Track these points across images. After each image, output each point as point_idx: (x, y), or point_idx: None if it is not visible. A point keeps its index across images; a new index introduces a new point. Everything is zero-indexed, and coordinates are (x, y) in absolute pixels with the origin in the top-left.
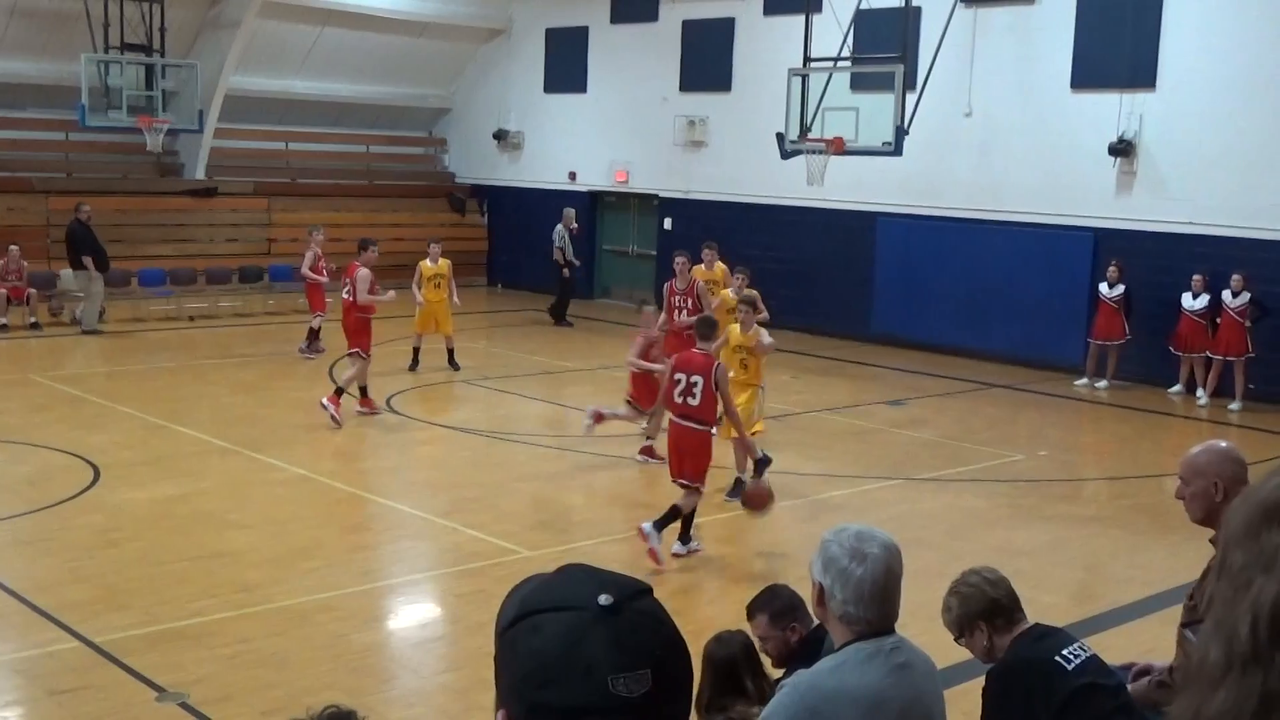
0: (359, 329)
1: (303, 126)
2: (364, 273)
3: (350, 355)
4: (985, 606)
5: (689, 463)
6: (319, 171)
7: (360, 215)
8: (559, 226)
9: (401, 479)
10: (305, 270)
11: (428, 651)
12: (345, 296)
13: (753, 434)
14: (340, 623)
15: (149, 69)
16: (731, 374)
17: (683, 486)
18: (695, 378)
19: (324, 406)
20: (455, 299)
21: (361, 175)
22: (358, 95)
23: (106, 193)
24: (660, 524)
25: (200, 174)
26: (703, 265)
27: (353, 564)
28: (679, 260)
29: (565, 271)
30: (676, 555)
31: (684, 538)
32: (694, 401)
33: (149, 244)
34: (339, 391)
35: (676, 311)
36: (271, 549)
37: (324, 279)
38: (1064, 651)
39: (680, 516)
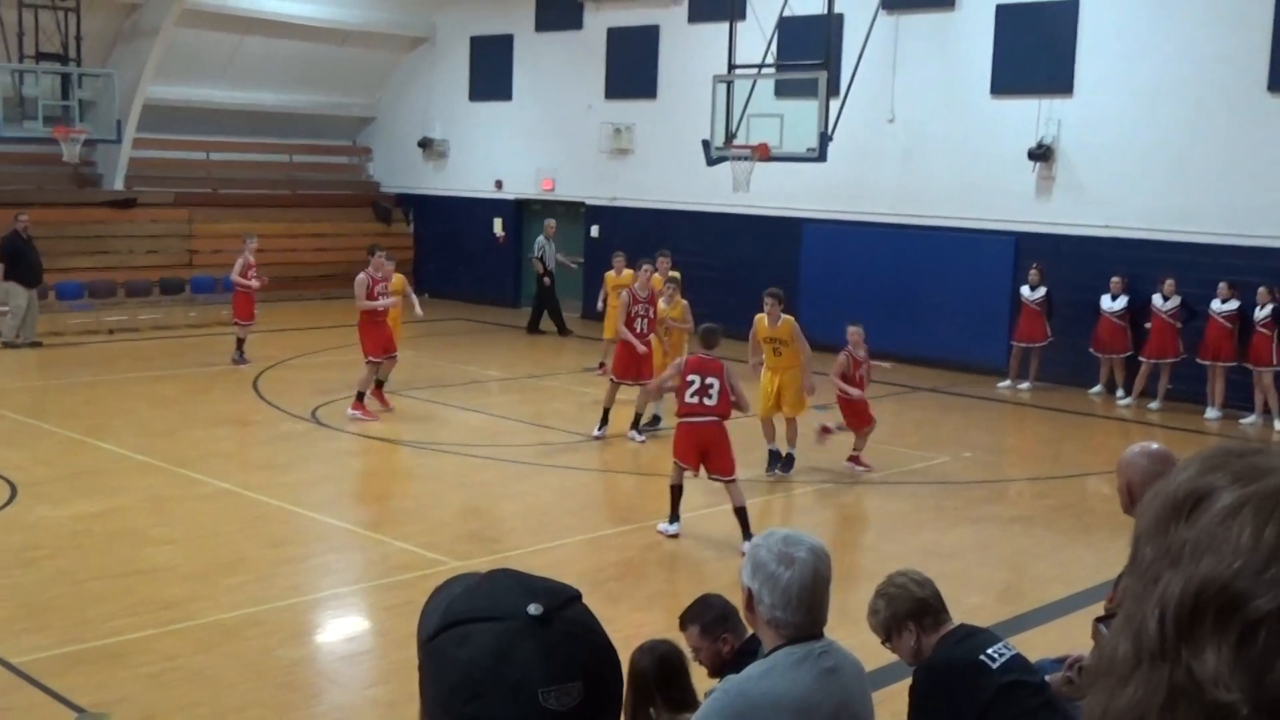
0: (361, 334)
1: (224, 136)
2: (360, 278)
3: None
4: (913, 607)
5: (721, 456)
6: (241, 181)
7: (284, 225)
8: (540, 237)
9: (329, 491)
10: (234, 276)
11: (356, 665)
12: None
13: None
14: (266, 638)
15: (65, 78)
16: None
17: (723, 481)
18: (710, 379)
19: (352, 415)
20: (418, 309)
21: (284, 185)
22: (280, 104)
23: (23, 204)
24: (747, 534)
25: (119, 185)
26: (612, 271)
27: (279, 578)
28: (646, 268)
29: (546, 280)
30: (668, 534)
31: (678, 514)
32: (710, 401)
33: (66, 256)
34: (359, 396)
35: (637, 320)
36: (195, 565)
37: (254, 285)
38: (988, 651)
39: (744, 513)
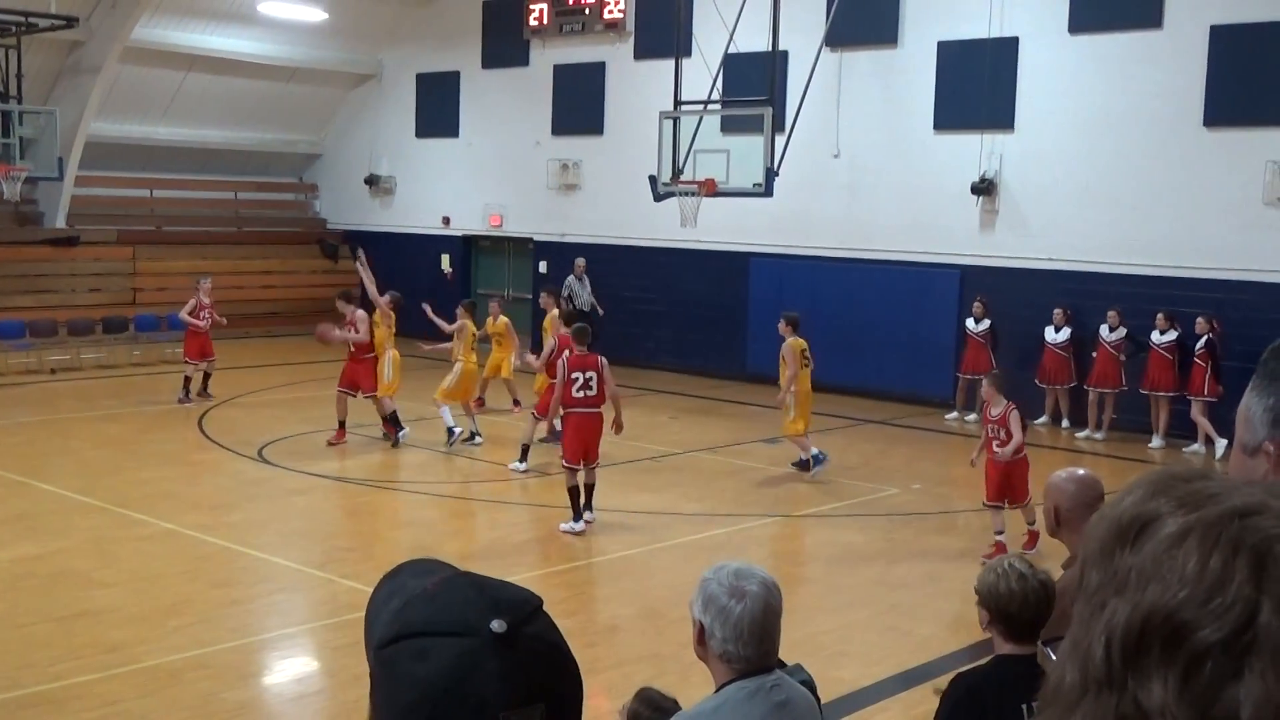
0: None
1: (168, 173)
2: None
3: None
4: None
5: (597, 445)
6: (185, 219)
7: (230, 263)
8: (570, 276)
9: (274, 531)
10: (183, 315)
11: (304, 706)
12: None
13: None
14: (212, 680)
15: (5, 115)
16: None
17: (589, 468)
18: (590, 374)
19: (386, 439)
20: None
21: (230, 222)
22: (225, 141)
23: None
24: (588, 507)
25: (61, 223)
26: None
27: (224, 620)
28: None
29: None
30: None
31: (580, 513)
32: (591, 393)
33: (7, 295)
34: (386, 422)
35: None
36: (138, 607)
37: (201, 325)
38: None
39: (591, 490)
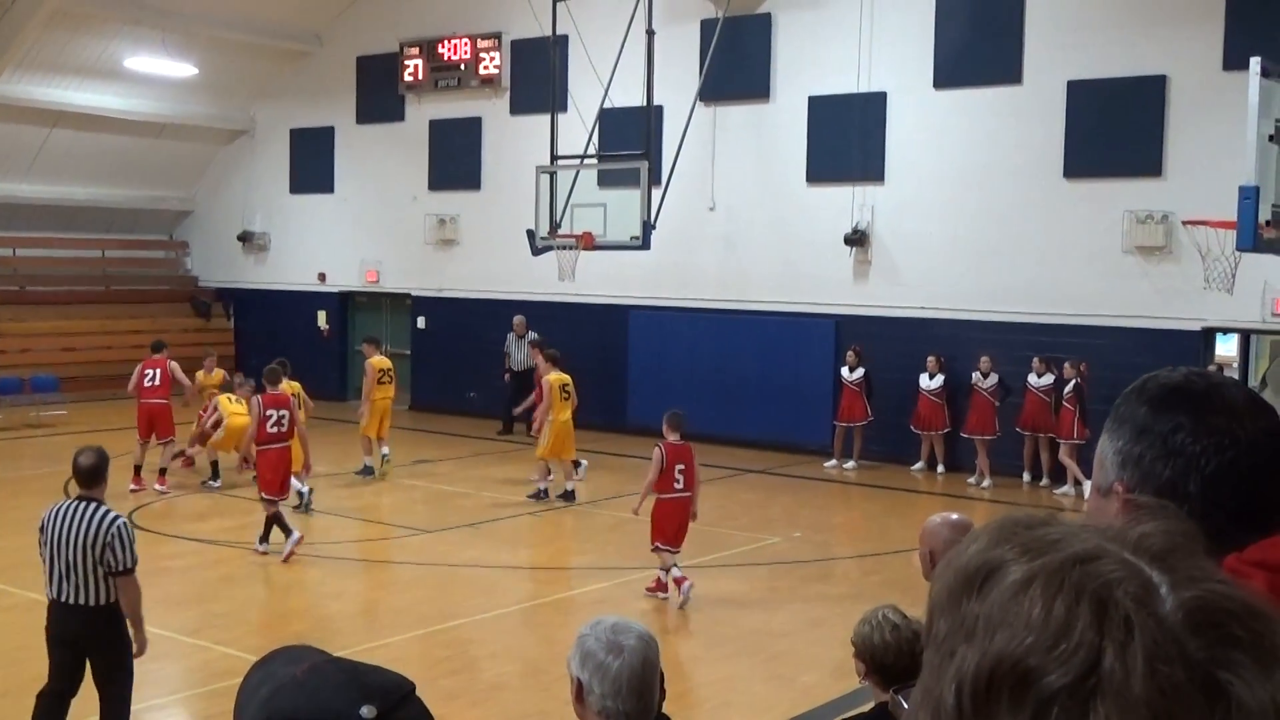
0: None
1: (31, 231)
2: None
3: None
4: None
5: (288, 475)
6: (51, 278)
7: (97, 322)
8: (510, 334)
9: (146, 597)
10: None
11: None
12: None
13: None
14: None
15: None
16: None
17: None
18: (283, 412)
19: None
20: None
21: (98, 281)
22: (92, 198)
23: None
24: (264, 537)
25: None
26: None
27: (93, 691)
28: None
29: (506, 376)
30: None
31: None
32: (283, 429)
33: None
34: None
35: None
36: (3, 681)
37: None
38: None
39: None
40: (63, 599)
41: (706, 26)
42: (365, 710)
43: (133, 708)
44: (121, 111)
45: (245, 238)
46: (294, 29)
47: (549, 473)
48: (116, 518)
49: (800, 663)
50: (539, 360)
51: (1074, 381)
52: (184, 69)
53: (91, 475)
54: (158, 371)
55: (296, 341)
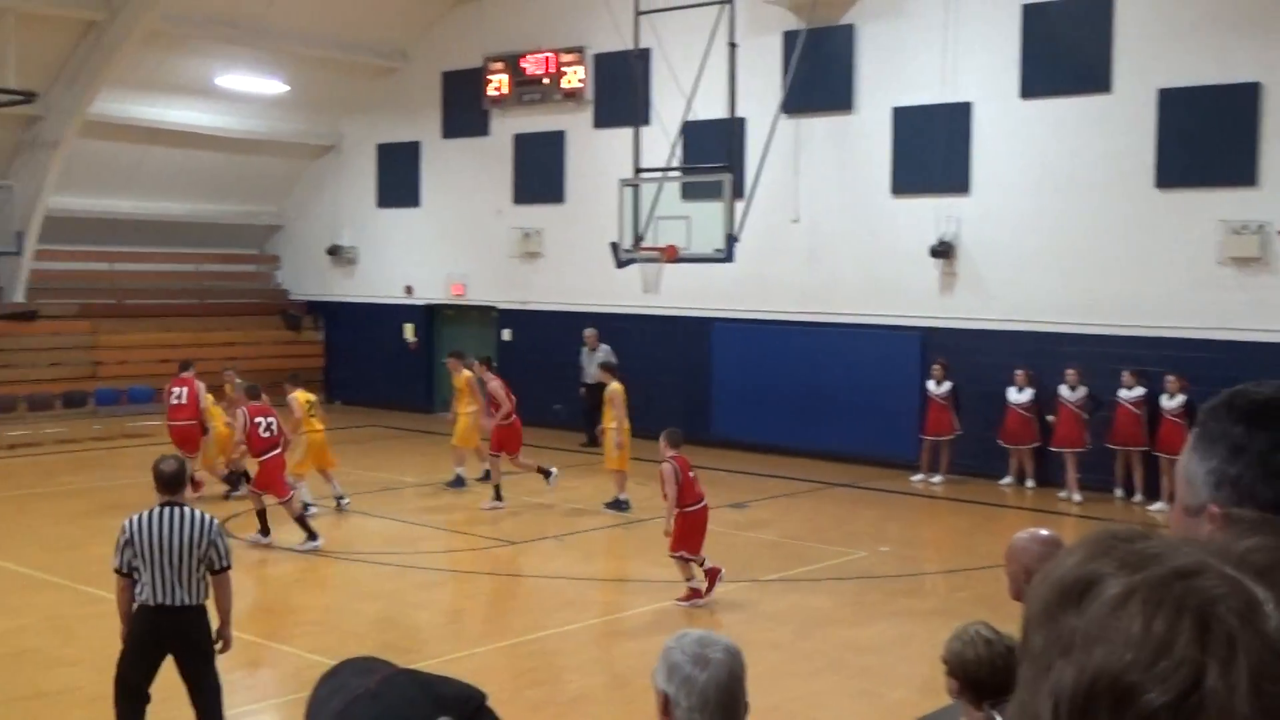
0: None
1: (129, 246)
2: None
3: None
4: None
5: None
6: (147, 292)
7: (191, 335)
8: (584, 347)
9: (238, 604)
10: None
11: None
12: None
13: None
14: None
15: None
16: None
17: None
18: (271, 419)
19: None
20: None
21: (192, 294)
22: (186, 214)
23: None
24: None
25: (20, 297)
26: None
27: (185, 697)
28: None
29: (581, 391)
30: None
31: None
32: (274, 434)
33: None
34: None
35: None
36: (99, 686)
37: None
38: None
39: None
40: (165, 602)
41: (789, 38)
42: None
43: (227, 714)
44: (214, 128)
45: (334, 251)
46: (381, 46)
47: (625, 482)
48: (213, 519)
49: (888, 679)
50: (605, 377)
51: (1183, 397)
52: (275, 86)
53: (176, 481)
54: (184, 390)
55: (383, 354)
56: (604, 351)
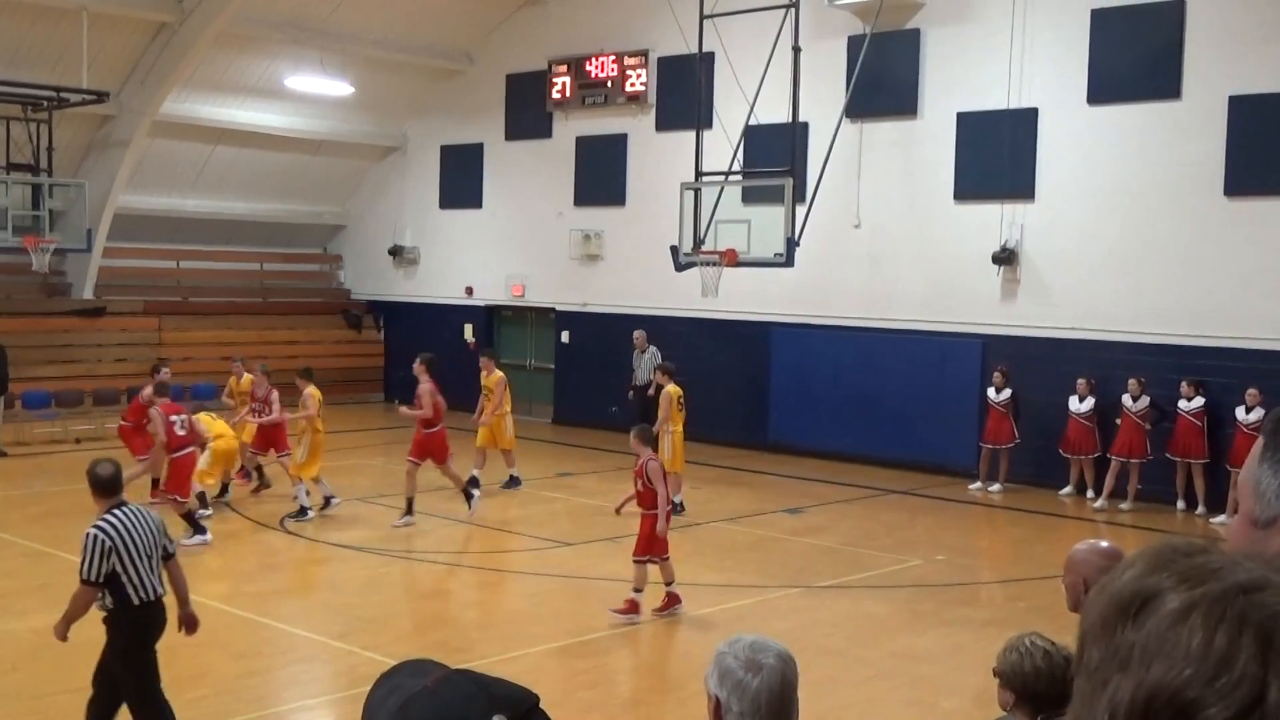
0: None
1: (195, 244)
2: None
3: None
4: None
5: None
6: (211, 290)
7: (254, 333)
8: (635, 351)
9: (294, 601)
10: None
11: None
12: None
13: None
14: None
15: (36, 189)
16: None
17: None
18: (183, 417)
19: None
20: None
21: (256, 293)
22: (251, 213)
23: None
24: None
25: (88, 293)
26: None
27: (243, 691)
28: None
29: (630, 394)
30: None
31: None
32: (186, 432)
33: (34, 365)
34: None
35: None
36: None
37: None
38: None
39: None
40: (148, 598)
41: (853, 43)
42: (496, 719)
43: (282, 708)
44: (281, 129)
45: (396, 252)
46: (446, 48)
47: (680, 486)
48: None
49: (942, 688)
50: (662, 379)
51: (1261, 411)
52: (341, 88)
53: (115, 483)
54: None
55: (443, 353)
56: (653, 353)
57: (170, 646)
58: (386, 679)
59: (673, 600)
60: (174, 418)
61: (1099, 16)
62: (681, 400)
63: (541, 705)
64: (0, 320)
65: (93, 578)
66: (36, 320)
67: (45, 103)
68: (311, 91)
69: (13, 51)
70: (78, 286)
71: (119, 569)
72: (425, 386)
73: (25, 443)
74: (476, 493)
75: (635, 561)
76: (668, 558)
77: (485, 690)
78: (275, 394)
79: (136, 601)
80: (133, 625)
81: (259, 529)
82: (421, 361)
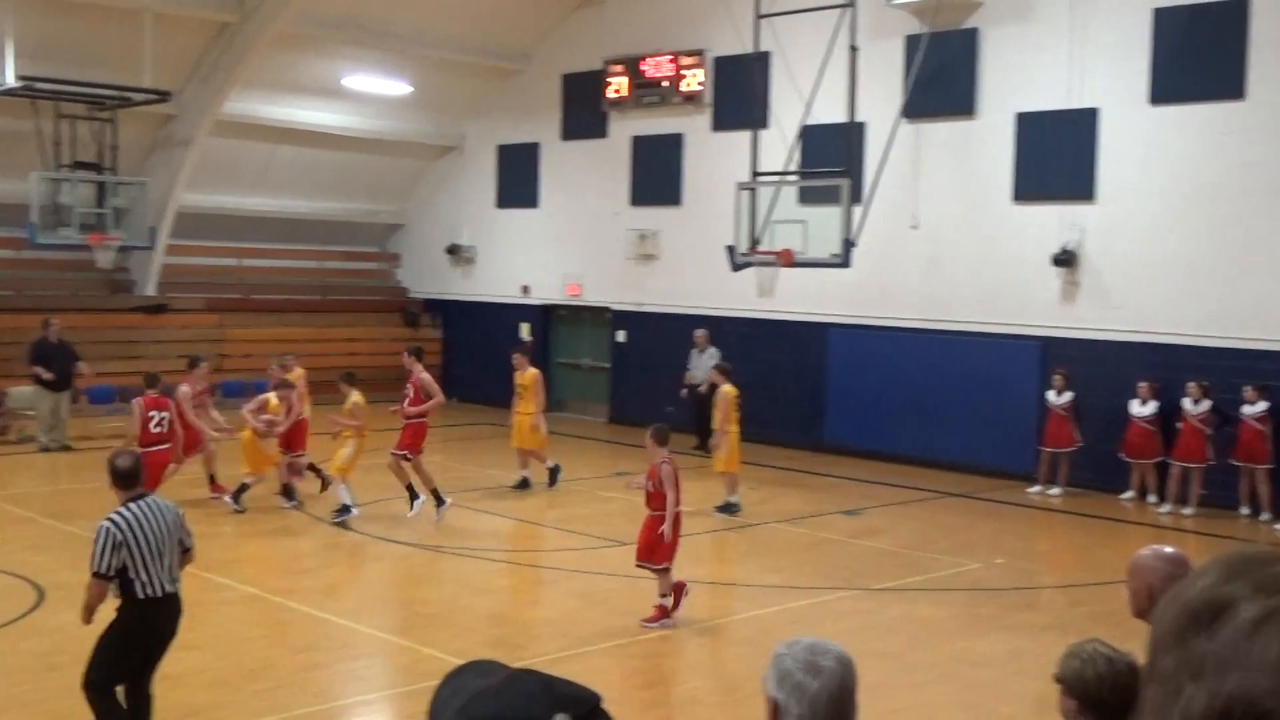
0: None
1: (255, 242)
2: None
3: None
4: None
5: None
6: (272, 287)
7: (313, 330)
8: (694, 349)
9: (355, 596)
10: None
11: None
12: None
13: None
14: None
15: (100, 186)
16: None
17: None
18: (164, 414)
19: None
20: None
21: (315, 290)
22: (311, 211)
23: (56, 310)
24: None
25: (151, 290)
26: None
27: (305, 685)
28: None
29: (683, 392)
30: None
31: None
32: (164, 430)
33: (98, 361)
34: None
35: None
36: (220, 670)
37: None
38: None
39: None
40: (158, 594)
41: (911, 42)
42: (559, 718)
43: (345, 702)
44: (340, 128)
45: (453, 250)
46: (504, 48)
47: (736, 487)
48: (174, 504)
49: (1000, 694)
50: (718, 379)
51: None
52: (399, 87)
53: (135, 474)
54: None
55: (500, 352)
56: (712, 354)
57: (236, 639)
58: (453, 678)
59: (662, 613)
60: (154, 413)
61: (1162, 15)
62: (738, 400)
63: (603, 706)
64: (66, 316)
65: (103, 570)
66: (101, 316)
67: (109, 102)
68: (370, 91)
69: (77, 52)
70: (141, 283)
71: (128, 562)
72: (423, 376)
73: (90, 437)
74: (422, 497)
75: (639, 567)
76: (668, 568)
77: (549, 689)
78: (295, 394)
79: (141, 596)
80: (133, 619)
81: (317, 524)
82: (411, 354)
